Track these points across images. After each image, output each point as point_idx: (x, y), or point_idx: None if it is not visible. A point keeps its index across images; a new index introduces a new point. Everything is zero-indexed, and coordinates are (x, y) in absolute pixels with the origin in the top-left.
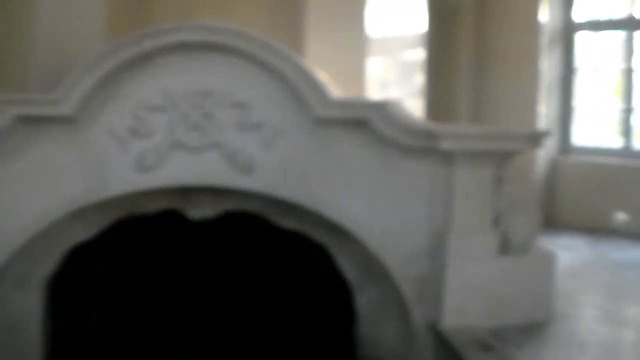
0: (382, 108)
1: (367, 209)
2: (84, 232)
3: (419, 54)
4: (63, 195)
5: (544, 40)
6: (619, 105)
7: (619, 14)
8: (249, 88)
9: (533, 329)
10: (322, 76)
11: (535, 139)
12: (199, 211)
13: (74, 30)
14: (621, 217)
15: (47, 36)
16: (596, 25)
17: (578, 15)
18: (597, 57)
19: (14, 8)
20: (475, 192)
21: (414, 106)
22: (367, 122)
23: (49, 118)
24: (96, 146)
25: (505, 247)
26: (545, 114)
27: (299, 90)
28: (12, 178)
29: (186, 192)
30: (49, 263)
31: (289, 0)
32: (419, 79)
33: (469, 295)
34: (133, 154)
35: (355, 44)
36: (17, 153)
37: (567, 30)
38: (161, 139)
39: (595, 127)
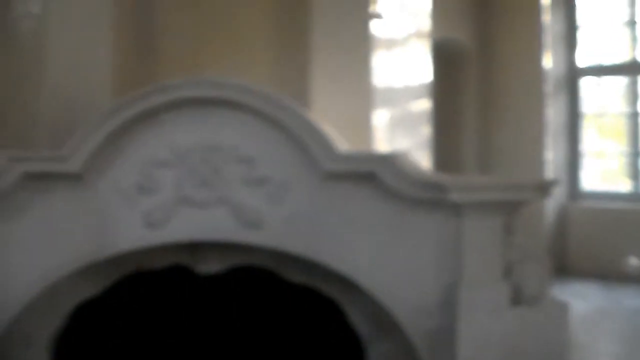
0: (390, 161)
1: (377, 262)
2: (90, 289)
3: (425, 104)
4: (69, 252)
5: (549, 86)
6: (625, 149)
7: (622, 59)
8: (256, 142)
9: None
10: (329, 129)
11: (544, 188)
12: (207, 266)
13: (81, 86)
14: (634, 261)
15: (54, 92)
16: (600, 71)
17: (581, 61)
18: (601, 102)
19: (21, 64)
20: (485, 243)
21: (421, 157)
22: (374, 175)
23: (55, 175)
24: (103, 203)
25: (517, 298)
26: (552, 160)
27: (305, 144)
28: (17, 235)
29: (194, 247)
30: (55, 321)
31: (294, 52)
32: (426, 129)
33: (482, 348)
34: (140, 210)
35: (361, 95)
36: (23, 210)
37: (571, 76)
38: (168, 194)
39: (603, 171)
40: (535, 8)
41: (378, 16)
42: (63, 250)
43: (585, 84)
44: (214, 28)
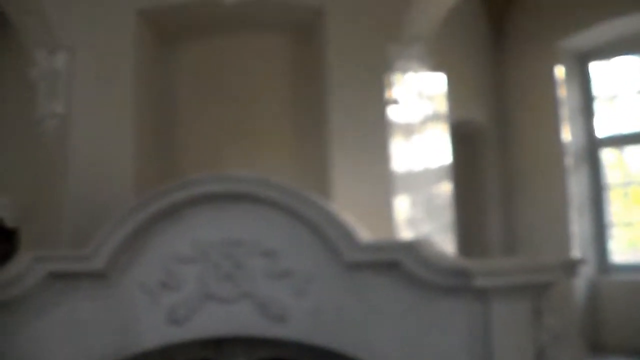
0: (412, 248)
1: (404, 351)
2: None
3: (446, 187)
4: (94, 350)
5: (569, 159)
6: None
7: None
8: (277, 235)
9: None
10: (350, 218)
11: (571, 267)
12: None
13: (103, 182)
14: None
15: (77, 190)
16: (620, 141)
17: (601, 131)
18: (625, 171)
19: (45, 163)
20: (515, 327)
21: (445, 240)
22: (398, 263)
23: (79, 274)
24: (127, 300)
25: None
26: (579, 234)
27: (327, 235)
28: (43, 333)
29: (218, 341)
30: None
31: (313, 141)
32: (448, 212)
33: None
34: (164, 307)
35: (381, 182)
36: (48, 308)
37: (592, 148)
38: (192, 290)
39: (632, 242)
40: (550, 83)
41: (395, 102)
42: (88, 348)
43: (607, 154)
44: (235, 122)
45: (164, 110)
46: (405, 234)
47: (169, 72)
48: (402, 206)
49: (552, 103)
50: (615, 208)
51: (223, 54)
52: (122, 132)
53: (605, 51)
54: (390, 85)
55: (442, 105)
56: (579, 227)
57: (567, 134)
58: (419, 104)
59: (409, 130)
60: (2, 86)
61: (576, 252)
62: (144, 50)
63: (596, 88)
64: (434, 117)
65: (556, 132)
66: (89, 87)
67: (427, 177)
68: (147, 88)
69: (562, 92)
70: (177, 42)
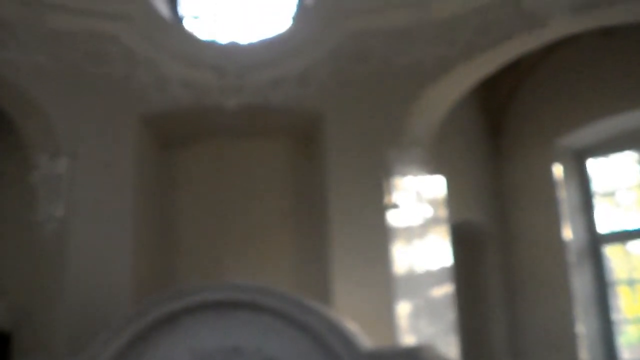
0: (414, 355)
1: None
2: None
3: (448, 289)
4: None
5: (572, 257)
6: None
7: None
8: (278, 343)
9: None
10: (351, 325)
11: None
12: None
13: (101, 286)
14: None
15: (74, 295)
16: (623, 236)
17: (602, 228)
18: (630, 267)
19: (43, 267)
20: None
21: (448, 343)
22: None
23: None
24: None
25: None
26: (586, 332)
27: (328, 343)
28: None
29: None
30: None
31: (313, 246)
32: (450, 315)
33: None
34: None
35: (382, 286)
36: None
37: (594, 245)
38: None
39: None
40: (549, 181)
41: (395, 206)
42: None
43: (610, 250)
44: (235, 226)
45: (164, 214)
46: (408, 338)
47: (169, 177)
48: (403, 310)
49: (552, 201)
50: (623, 304)
51: (224, 158)
52: (121, 237)
53: (603, 148)
54: (390, 189)
55: (442, 208)
56: (585, 325)
57: (568, 232)
58: (418, 207)
59: (409, 233)
60: (2, 188)
61: (584, 352)
62: (145, 154)
63: (595, 184)
64: (434, 220)
65: (557, 230)
66: (89, 192)
67: (428, 280)
68: (148, 193)
69: (562, 190)
70: (178, 146)
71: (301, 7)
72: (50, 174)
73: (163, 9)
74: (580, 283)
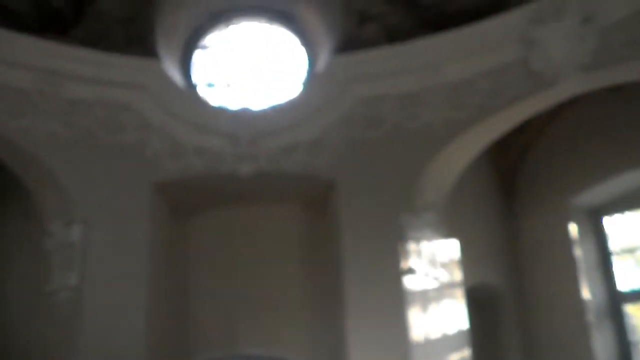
0: None
1: None
2: None
3: (465, 353)
4: None
5: (591, 317)
6: None
7: None
8: None
9: None
10: None
11: None
12: None
13: (115, 358)
14: None
15: None
16: None
17: (622, 286)
18: None
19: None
20: None
21: None
22: None
23: None
24: None
25: None
26: None
27: None
28: None
29: None
30: None
31: (329, 311)
32: None
33: None
34: None
35: (398, 351)
36: None
37: (614, 303)
38: None
39: None
40: (565, 240)
41: (409, 271)
42: None
43: (631, 309)
44: (249, 292)
45: (177, 281)
46: None
47: (183, 244)
48: None
49: (569, 260)
50: None
51: (237, 224)
52: (134, 304)
53: (618, 205)
54: (404, 254)
55: (456, 271)
56: None
57: (586, 291)
58: (433, 271)
59: (424, 298)
60: (15, 255)
61: None
62: (159, 222)
63: (613, 242)
64: (450, 284)
65: (575, 289)
66: (103, 260)
67: (445, 344)
68: (162, 260)
69: (578, 248)
70: (191, 213)
71: (312, 73)
72: (64, 241)
73: (176, 77)
74: (602, 343)
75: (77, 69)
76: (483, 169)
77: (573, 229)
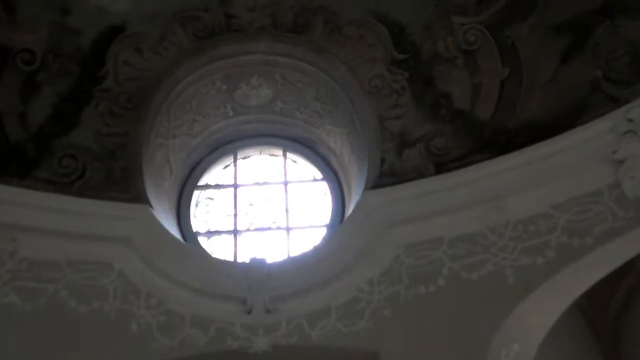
0: None
1: None
2: None
3: None
4: None
5: None
6: None
7: None
8: None
9: None
10: None
11: None
12: None
13: None
14: None
15: None
16: None
17: None
18: None
19: None
20: None
21: None
22: None
23: None
24: None
25: None
26: None
27: None
28: None
29: None
30: None
31: None
32: None
33: None
34: None
35: None
36: None
37: None
38: None
39: None
40: None
41: None
42: None
43: None
44: None
45: None
46: None
47: None
48: None
49: None
50: None
51: None
52: None
53: None
54: None
55: None
56: None
57: None
58: None
59: None
60: None
61: None
62: None
63: None
64: None
65: None
66: None
67: None
68: None
69: None
70: None
71: (341, 214)
72: None
73: (170, 225)
74: None
75: (40, 219)
76: (573, 331)
77: None
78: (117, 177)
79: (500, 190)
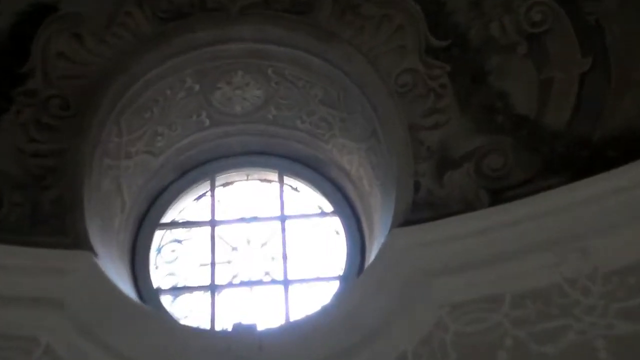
0: None
1: None
2: None
3: None
4: None
5: None
6: None
7: None
8: None
9: None
10: None
11: None
12: None
13: None
14: None
15: None
16: None
17: None
18: None
19: None
20: None
21: None
22: None
23: None
24: None
25: None
26: None
27: None
28: None
29: None
30: None
31: None
32: None
33: None
34: None
35: None
36: None
37: None
38: None
39: None
40: None
41: None
42: None
43: None
44: None
45: None
46: None
47: None
48: None
49: None
50: None
51: None
52: None
53: None
54: None
55: None
56: None
57: None
58: None
59: None
60: None
61: None
62: None
63: None
64: None
65: None
66: None
67: None
68: None
69: None
70: None
71: (358, 259)
72: None
73: (121, 280)
74: None
75: None
76: None
77: None
78: (47, 214)
79: (582, 228)
